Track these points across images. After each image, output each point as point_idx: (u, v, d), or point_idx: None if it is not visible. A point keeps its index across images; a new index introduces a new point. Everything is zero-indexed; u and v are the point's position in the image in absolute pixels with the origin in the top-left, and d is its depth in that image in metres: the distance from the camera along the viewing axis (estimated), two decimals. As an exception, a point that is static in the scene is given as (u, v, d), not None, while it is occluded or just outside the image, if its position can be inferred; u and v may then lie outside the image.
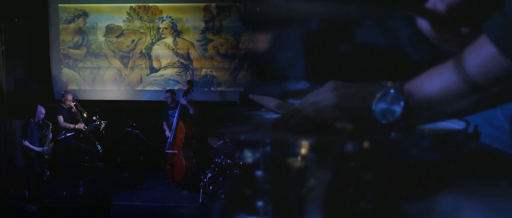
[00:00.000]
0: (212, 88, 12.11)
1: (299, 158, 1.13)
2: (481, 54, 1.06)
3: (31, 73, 11.27)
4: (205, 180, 8.60)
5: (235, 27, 11.97)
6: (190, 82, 10.43)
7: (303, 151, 1.12)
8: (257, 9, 10.16)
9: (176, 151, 10.08)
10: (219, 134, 7.66)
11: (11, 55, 10.23)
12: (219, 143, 8.68)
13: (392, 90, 1.17)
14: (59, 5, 12.08)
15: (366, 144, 1.10)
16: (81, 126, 10.13)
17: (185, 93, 10.21)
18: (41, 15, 11.90)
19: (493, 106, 1.18)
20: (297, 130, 1.26)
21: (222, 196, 8.36)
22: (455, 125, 1.31)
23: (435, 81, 1.14)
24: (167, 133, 10.42)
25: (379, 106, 1.18)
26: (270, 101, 1.47)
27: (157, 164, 10.67)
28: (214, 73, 12.18)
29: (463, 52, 1.10)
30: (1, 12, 9.74)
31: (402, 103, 1.15)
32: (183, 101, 10.19)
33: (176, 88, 11.79)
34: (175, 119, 10.17)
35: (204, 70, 12.19)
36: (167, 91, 10.85)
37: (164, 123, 10.67)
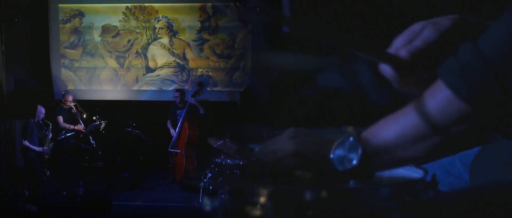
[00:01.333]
0: (208, 88, 12.13)
1: (258, 206, 1.14)
2: (436, 98, 1.08)
3: (31, 73, 11.23)
4: (205, 180, 8.64)
5: (231, 27, 12.03)
6: (200, 84, 10.51)
7: (262, 199, 1.14)
8: (257, 9, 10.23)
9: (179, 151, 10.12)
10: (219, 134, 7.69)
11: (11, 55, 10.19)
12: (219, 143, 8.76)
13: (350, 138, 1.18)
14: (59, 5, 12.07)
15: (324, 193, 1.11)
16: (80, 127, 10.14)
17: (195, 94, 10.26)
18: (41, 15, 11.90)
19: (451, 153, 1.21)
20: (256, 176, 1.28)
21: (222, 196, 8.39)
22: (413, 173, 1.31)
23: (392, 128, 1.15)
24: (172, 131, 10.46)
25: (337, 154, 1.19)
26: (230, 148, 1.47)
27: (157, 164, 10.73)
28: (210, 73, 12.21)
29: (419, 97, 1.12)
30: (1, 12, 9.72)
31: (359, 151, 1.16)
32: (192, 101, 10.23)
33: (171, 88, 11.83)
34: (181, 118, 10.21)
35: (200, 70, 12.22)
36: (177, 91, 10.88)
37: (168, 121, 10.70)
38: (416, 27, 1.21)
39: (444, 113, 1.06)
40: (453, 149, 1.17)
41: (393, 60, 1.20)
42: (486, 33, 1.04)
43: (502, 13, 1.10)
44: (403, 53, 1.18)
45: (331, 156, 1.19)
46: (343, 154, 1.18)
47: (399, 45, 1.21)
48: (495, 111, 1.01)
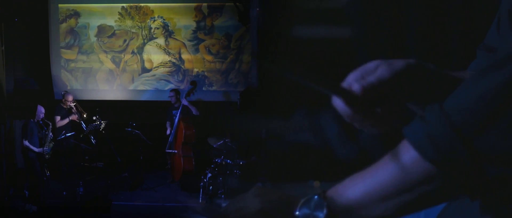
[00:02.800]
0: (203, 88, 12.16)
1: None
2: (402, 158, 1.08)
3: (31, 73, 11.22)
4: (205, 180, 8.67)
5: (227, 27, 12.06)
6: (193, 83, 10.46)
7: None
8: (257, 9, 10.27)
9: (176, 151, 10.13)
10: (219, 134, 7.76)
11: (11, 55, 10.17)
12: (219, 143, 8.80)
13: (315, 196, 1.19)
14: (59, 5, 12.06)
15: None
16: (75, 117, 10.14)
17: (188, 94, 10.25)
18: (41, 15, 11.87)
19: (416, 211, 1.18)
20: None
21: (222, 196, 8.44)
22: None
23: (358, 187, 1.15)
24: (169, 132, 10.48)
25: (302, 212, 1.19)
26: (197, 205, 1.44)
27: (157, 164, 10.72)
28: (205, 73, 12.24)
29: (385, 157, 1.12)
30: (1, 12, 9.70)
31: (324, 210, 1.16)
32: (185, 102, 10.22)
33: (167, 88, 11.86)
34: (176, 118, 10.22)
35: (195, 70, 12.24)
36: (171, 90, 10.90)
37: (167, 122, 10.72)
38: (371, 65, 1.22)
39: (409, 173, 1.06)
40: (418, 207, 1.16)
41: (346, 94, 1.21)
42: (452, 95, 1.05)
43: (465, 65, 1.14)
44: (356, 87, 1.20)
45: (297, 213, 1.20)
46: (309, 212, 1.18)
47: (353, 80, 1.22)
48: (460, 172, 1.02)
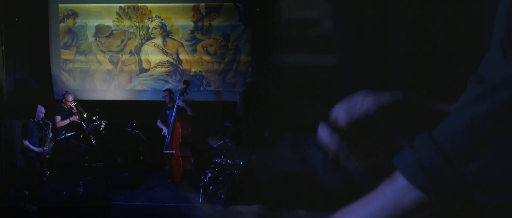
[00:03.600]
0: (201, 88, 12.17)
1: None
2: (393, 186, 1.08)
3: (31, 73, 11.22)
4: (205, 180, 8.68)
5: (224, 27, 12.06)
6: (186, 82, 10.47)
7: None
8: (257, 9, 10.29)
9: (174, 151, 10.13)
10: (219, 134, 7.76)
11: (11, 55, 10.16)
12: (219, 143, 8.81)
13: None
14: (59, 5, 12.04)
15: None
16: (75, 118, 10.14)
17: (182, 93, 10.25)
18: (41, 15, 11.84)
19: None
20: None
21: (222, 196, 8.45)
22: None
23: None
24: (165, 131, 10.47)
25: None
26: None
27: (157, 164, 10.70)
28: (203, 74, 12.24)
29: (376, 189, 1.12)
30: (1, 12, 9.68)
31: None
32: (179, 103, 10.22)
33: (164, 88, 11.86)
34: (172, 119, 10.22)
35: (193, 70, 12.24)
36: (165, 90, 10.93)
37: (158, 121, 10.72)
38: (358, 95, 1.25)
39: (400, 202, 1.06)
40: None
41: (331, 124, 1.24)
42: (441, 125, 1.06)
43: (451, 98, 1.17)
44: (341, 118, 1.23)
45: None
46: None
47: (340, 110, 1.25)
48: (449, 200, 1.03)
